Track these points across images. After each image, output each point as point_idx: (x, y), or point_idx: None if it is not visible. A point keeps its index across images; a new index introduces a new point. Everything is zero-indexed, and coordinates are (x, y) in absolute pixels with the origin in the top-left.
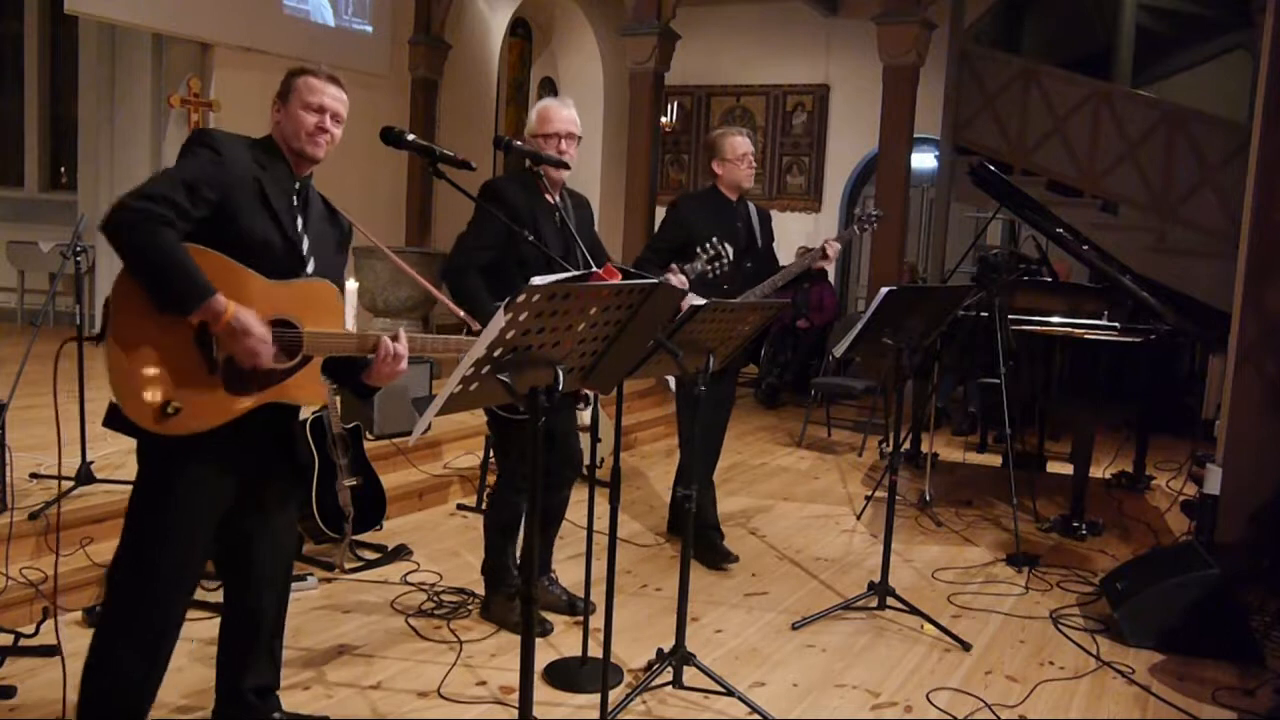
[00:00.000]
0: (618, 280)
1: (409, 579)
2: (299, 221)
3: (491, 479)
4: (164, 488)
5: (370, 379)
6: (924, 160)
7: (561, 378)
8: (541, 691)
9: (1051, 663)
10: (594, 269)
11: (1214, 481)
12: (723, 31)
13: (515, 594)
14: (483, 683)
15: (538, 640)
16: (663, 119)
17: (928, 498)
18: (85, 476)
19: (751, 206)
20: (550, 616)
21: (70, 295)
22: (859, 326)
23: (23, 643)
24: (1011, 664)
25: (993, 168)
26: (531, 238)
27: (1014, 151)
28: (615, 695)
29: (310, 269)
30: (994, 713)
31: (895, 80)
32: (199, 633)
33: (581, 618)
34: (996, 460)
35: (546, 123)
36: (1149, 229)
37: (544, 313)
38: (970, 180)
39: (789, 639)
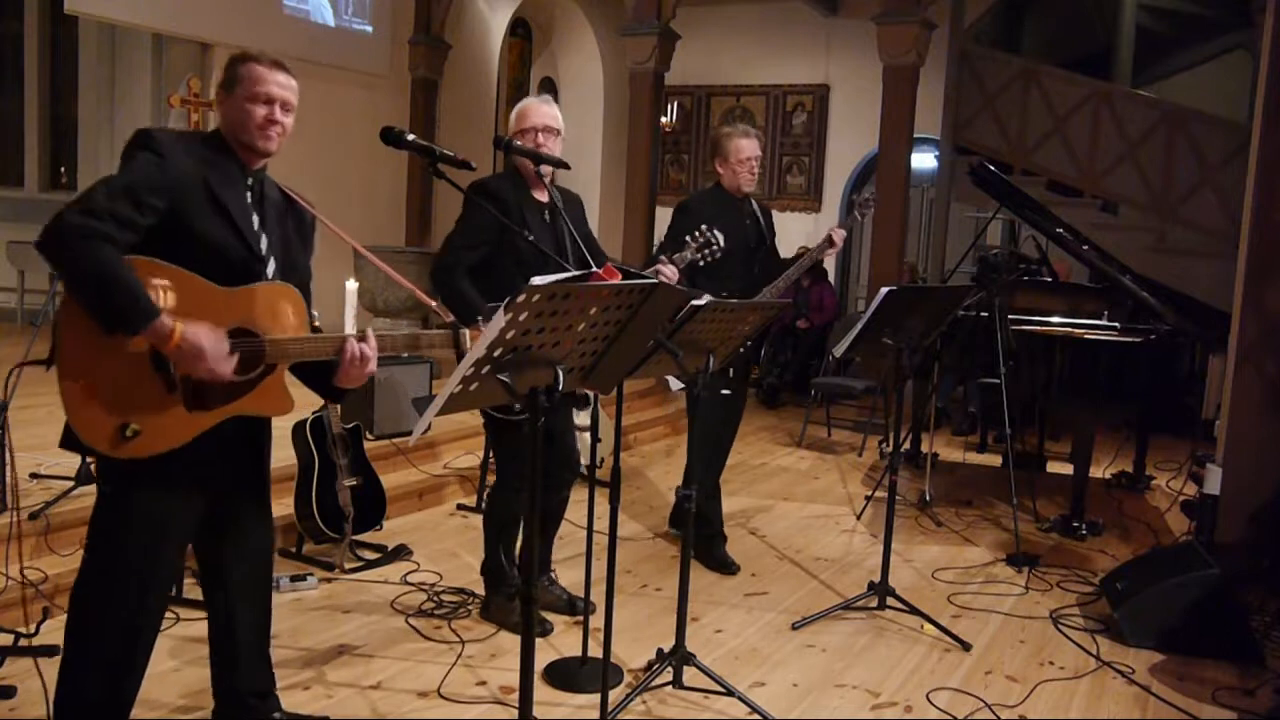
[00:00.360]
0: (618, 280)
1: (409, 579)
2: (255, 219)
3: (491, 479)
4: (125, 509)
5: (339, 381)
6: (924, 160)
7: (561, 378)
8: (541, 691)
9: (1051, 663)
10: (592, 268)
11: (1214, 481)
12: (723, 31)
13: (515, 594)
14: (483, 683)
15: (538, 640)
16: (663, 119)
17: (928, 498)
18: (85, 476)
19: (755, 204)
20: (550, 616)
21: None
22: (859, 326)
23: (23, 643)
24: (1011, 664)
25: (993, 168)
26: (531, 236)
27: (1014, 151)
28: (615, 695)
29: (271, 269)
30: (994, 713)
31: (895, 80)
32: (199, 633)
33: (581, 618)
34: (996, 460)
35: (523, 119)
36: (1149, 229)
37: (544, 313)
38: (970, 180)
39: (789, 639)
